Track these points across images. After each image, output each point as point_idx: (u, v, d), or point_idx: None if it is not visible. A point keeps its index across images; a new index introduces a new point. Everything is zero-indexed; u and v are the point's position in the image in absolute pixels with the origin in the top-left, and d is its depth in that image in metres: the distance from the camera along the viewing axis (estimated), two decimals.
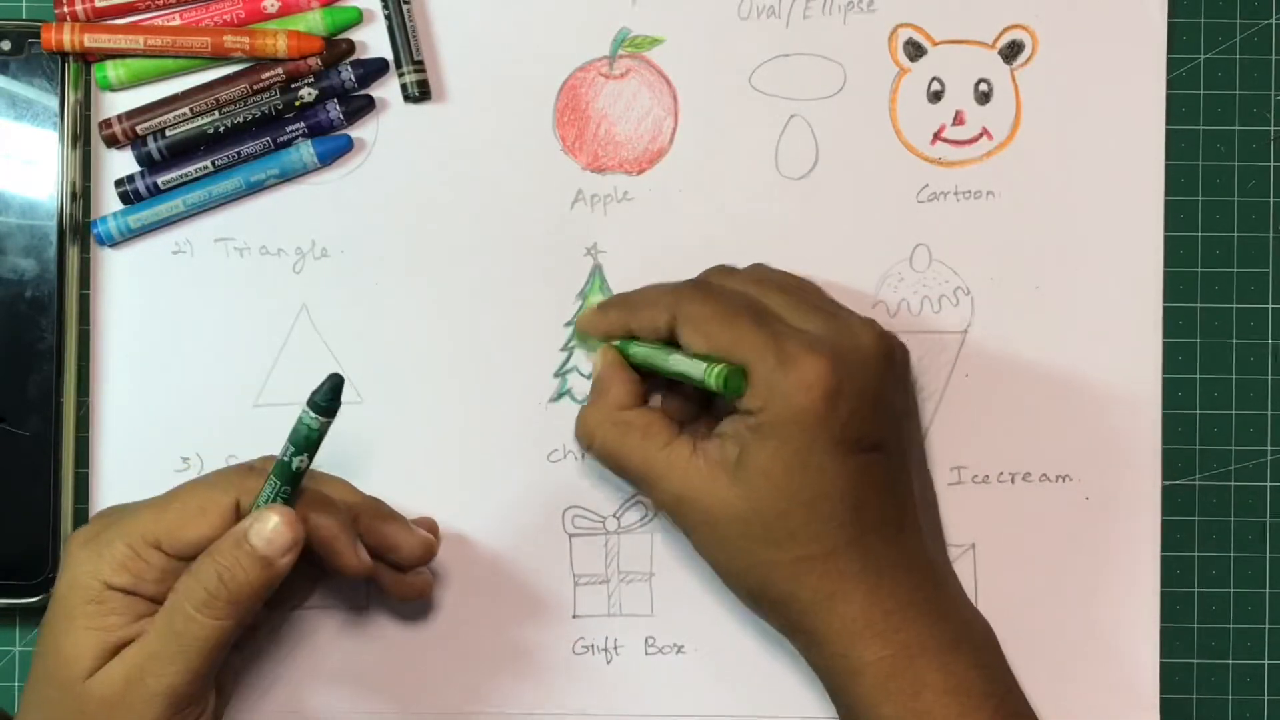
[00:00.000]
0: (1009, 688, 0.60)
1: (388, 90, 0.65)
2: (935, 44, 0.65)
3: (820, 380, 0.56)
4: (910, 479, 0.61)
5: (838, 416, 0.57)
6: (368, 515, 0.60)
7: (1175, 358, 0.65)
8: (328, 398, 0.55)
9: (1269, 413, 0.66)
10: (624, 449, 0.60)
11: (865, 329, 0.59)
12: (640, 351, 0.61)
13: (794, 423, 0.57)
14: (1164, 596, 0.65)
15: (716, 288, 0.61)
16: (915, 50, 0.65)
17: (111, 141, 0.64)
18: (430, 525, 0.63)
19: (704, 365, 0.58)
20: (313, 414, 0.55)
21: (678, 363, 0.59)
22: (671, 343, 0.60)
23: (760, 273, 0.62)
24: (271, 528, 0.55)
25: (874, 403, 0.58)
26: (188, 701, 0.55)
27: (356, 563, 0.58)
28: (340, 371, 0.55)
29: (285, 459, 0.56)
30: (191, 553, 0.55)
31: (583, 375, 0.65)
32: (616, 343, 0.62)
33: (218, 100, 0.64)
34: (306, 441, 0.56)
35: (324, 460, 0.64)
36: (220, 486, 0.56)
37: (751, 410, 0.57)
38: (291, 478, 0.56)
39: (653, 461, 0.59)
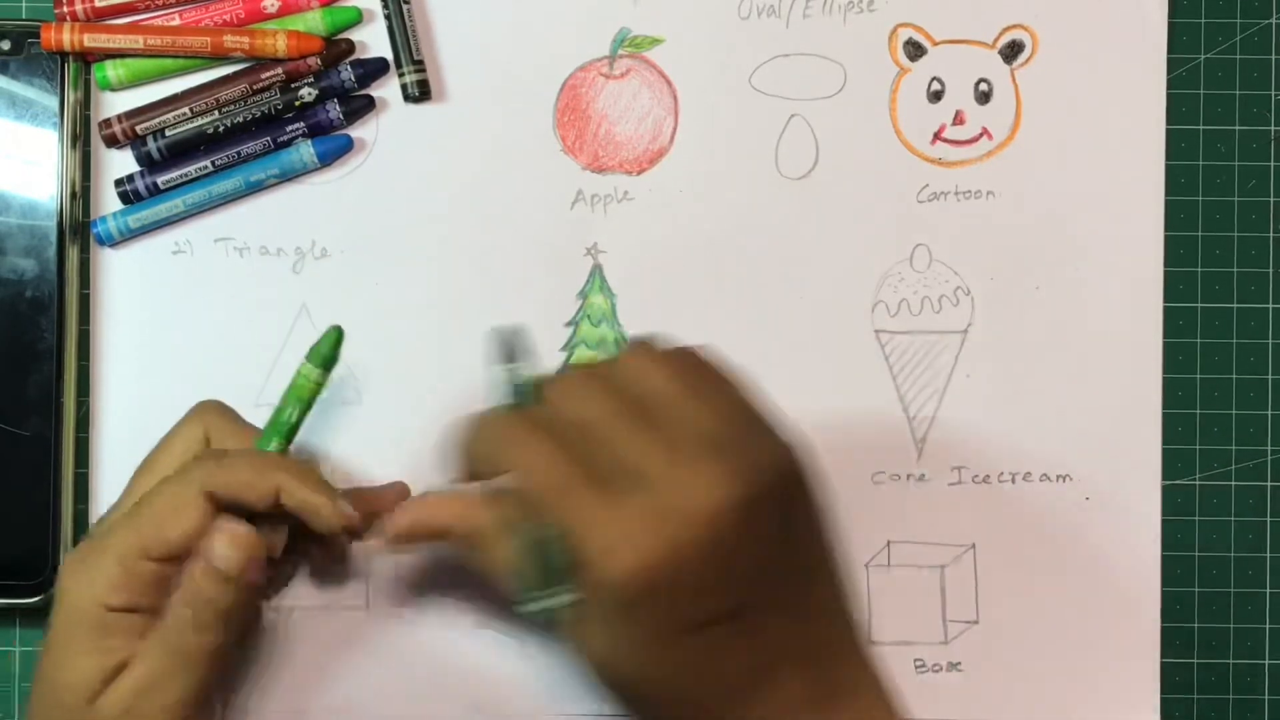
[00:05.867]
0: None
1: (388, 90, 0.65)
2: (935, 44, 0.65)
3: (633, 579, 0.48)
4: (789, 627, 0.51)
5: (662, 604, 0.48)
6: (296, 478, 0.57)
7: (1175, 358, 0.65)
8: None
9: (1269, 413, 0.66)
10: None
11: (697, 482, 0.48)
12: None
13: (616, 610, 0.49)
14: (1164, 596, 0.65)
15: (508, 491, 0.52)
16: (915, 50, 0.65)
17: (111, 141, 0.64)
18: (401, 490, 0.62)
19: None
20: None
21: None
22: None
23: (578, 413, 0.51)
24: (225, 548, 0.55)
25: (717, 571, 0.48)
26: (196, 714, 0.56)
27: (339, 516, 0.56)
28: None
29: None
30: (179, 552, 0.55)
31: None
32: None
33: (218, 100, 0.64)
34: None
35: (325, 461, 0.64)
36: (186, 480, 0.56)
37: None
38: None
39: None
